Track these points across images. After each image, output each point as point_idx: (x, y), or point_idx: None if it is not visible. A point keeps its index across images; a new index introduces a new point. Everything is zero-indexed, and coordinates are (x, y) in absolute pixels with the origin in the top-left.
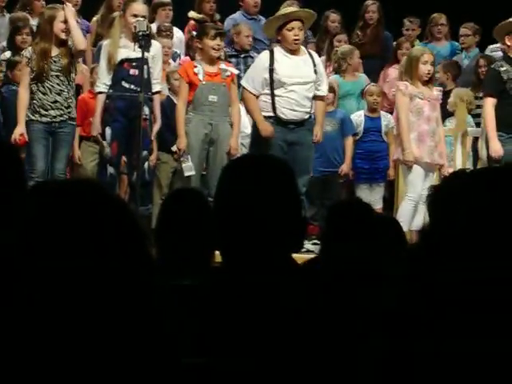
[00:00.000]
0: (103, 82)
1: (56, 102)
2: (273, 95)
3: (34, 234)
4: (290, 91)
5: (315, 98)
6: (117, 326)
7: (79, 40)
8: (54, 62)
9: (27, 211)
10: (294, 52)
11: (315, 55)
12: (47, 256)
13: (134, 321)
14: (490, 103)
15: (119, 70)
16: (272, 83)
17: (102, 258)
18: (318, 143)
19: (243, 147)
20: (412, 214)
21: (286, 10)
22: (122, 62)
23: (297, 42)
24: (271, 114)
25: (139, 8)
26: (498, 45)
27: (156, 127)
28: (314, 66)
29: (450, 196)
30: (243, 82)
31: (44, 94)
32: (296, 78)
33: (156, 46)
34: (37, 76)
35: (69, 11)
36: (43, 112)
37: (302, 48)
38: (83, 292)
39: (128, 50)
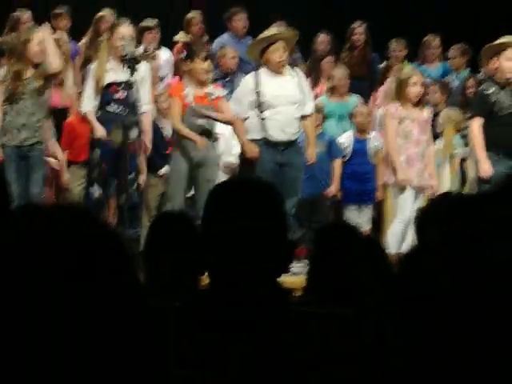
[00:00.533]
0: (89, 103)
1: (27, 123)
2: (261, 117)
3: (16, 260)
4: (278, 112)
5: (302, 117)
6: (105, 351)
7: (53, 62)
8: (30, 83)
9: (10, 236)
10: (279, 73)
11: (300, 73)
12: (31, 282)
13: (123, 344)
14: (477, 124)
15: (106, 93)
16: (259, 105)
17: (88, 284)
18: (312, 164)
19: (229, 170)
20: (402, 237)
21: (268, 31)
22: (110, 85)
23: (282, 63)
24: (260, 135)
25: (125, 31)
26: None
27: (148, 143)
28: (300, 85)
29: (434, 219)
30: (229, 105)
31: (17, 114)
32: (283, 99)
33: (144, 67)
34: (10, 97)
35: (46, 32)
36: (15, 133)
37: (288, 68)
38: (69, 318)
39: (115, 73)
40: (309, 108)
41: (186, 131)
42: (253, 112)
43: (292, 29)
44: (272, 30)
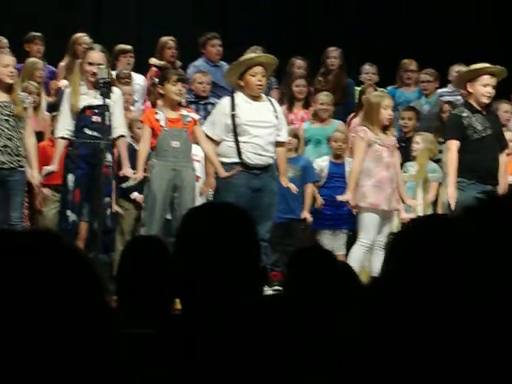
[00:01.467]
0: (65, 127)
1: (6, 146)
2: (237, 141)
3: None
4: (254, 136)
5: (276, 144)
6: (75, 377)
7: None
8: (5, 106)
9: None
10: (255, 98)
11: (275, 102)
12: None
13: (93, 371)
14: (454, 146)
15: (81, 117)
16: (235, 128)
17: (58, 310)
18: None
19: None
20: (362, 259)
21: (249, 55)
22: (84, 109)
23: (260, 87)
24: (237, 159)
25: (95, 56)
26: (446, 89)
27: (126, 169)
28: (275, 112)
29: (403, 243)
30: (204, 128)
31: None
32: (259, 123)
33: (116, 92)
34: None
35: None
36: None
37: (263, 95)
38: (37, 344)
39: (89, 97)
40: (283, 134)
41: (142, 158)
42: (228, 136)
43: (272, 56)
44: (253, 54)
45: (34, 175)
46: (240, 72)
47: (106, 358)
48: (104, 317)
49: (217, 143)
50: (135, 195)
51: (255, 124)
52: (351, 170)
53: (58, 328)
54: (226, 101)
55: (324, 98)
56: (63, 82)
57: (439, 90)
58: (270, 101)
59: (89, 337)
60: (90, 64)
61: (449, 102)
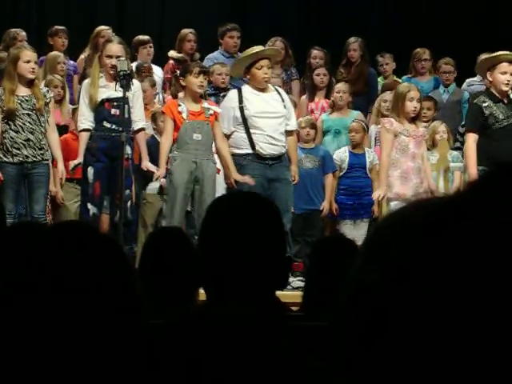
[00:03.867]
0: (87, 119)
1: (29, 140)
2: (248, 132)
3: (25, 275)
4: (264, 126)
5: (286, 133)
6: (104, 366)
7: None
8: (26, 100)
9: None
10: (262, 90)
11: (282, 91)
12: (37, 295)
13: (121, 360)
14: (471, 138)
15: (100, 110)
16: (244, 120)
17: (92, 295)
18: (298, 183)
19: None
20: None
21: (253, 49)
22: (103, 101)
23: (266, 79)
24: (250, 150)
25: (113, 48)
26: (475, 78)
27: (146, 162)
28: (283, 101)
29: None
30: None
31: (16, 132)
32: (267, 114)
33: (135, 84)
34: (7, 114)
35: None
36: (15, 151)
37: (269, 85)
38: (68, 334)
39: (108, 90)
40: (292, 123)
41: (164, 152)
42: (239, 128)
43: (276, 48)
44: (257, 48)
45: (59, 168)
46: (246, 65)
47: (134, 345)
48: (135, 303)
49: (228, 136)
50: (162, 181)
51: (264, 115)
52: (380, 164)
53: (91, 314)
54: (233, 94)
55: (340, 86)
56: None
57: (468, 80)
58: (277, 90)
59: (120, 328)
60: (109, 56)
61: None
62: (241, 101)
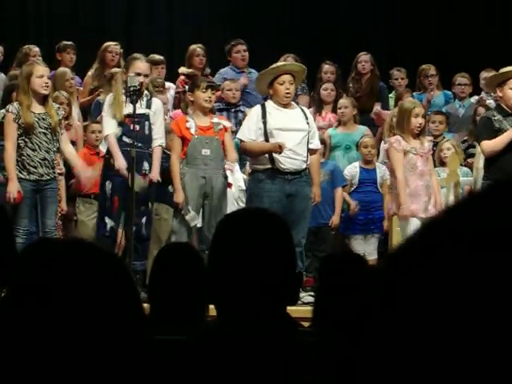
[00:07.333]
0: (112, 126)
1: (45, 159)
2: None
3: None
4: (285, 140)
5: (309, 151)
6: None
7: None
8: (43, 119)
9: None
10: (285, 106)
11: (306, 110)
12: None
13: (122, 376)
14: (486, 144)
15: (122, 124)
16: (266, 135)
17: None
18: (318, 204)
19: (240, 201)
20: None
21: (276, 64)
22: (124, 117)
23: (288, 95)
24: (269, 166)
25: (142, 66)
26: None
27: (154, 174)
28: (306, 119)
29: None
30: (239, 137)
31: (33, 150)
32: (289, 128)
33: (157, 102)
34: (24, 130)
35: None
36: (32, 170)
37: (293, 103)
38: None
39: (130, 106)
40: (315, 142)
41: (176, 173)
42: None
43: (299, 64)
44: (279, 63)
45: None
46: (269, 80)
47: (134, 361)
48: (136, 319)
49: (242, 145)
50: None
51: (285, 129)
52: (398, 184)
53: (95, 333)
54: (257, 109)
55: (342, 101)
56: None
57: (476, 97)
58: (301, 108)
59: (119, 338)
60: (138, 74)
61: (485, 106)
62: (264, 115)
